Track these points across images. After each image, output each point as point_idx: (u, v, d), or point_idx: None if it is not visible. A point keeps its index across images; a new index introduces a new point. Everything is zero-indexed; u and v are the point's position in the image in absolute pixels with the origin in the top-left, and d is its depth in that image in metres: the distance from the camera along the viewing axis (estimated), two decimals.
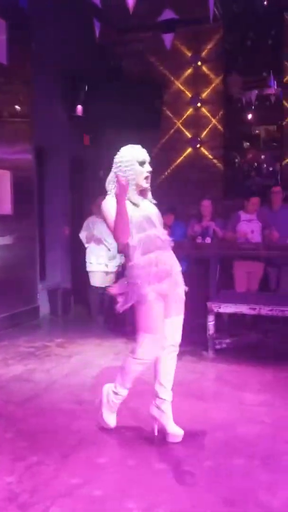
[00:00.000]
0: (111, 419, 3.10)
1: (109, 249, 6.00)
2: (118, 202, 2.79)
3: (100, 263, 6.00)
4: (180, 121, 7.52)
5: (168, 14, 5.89)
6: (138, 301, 2.88)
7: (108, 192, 2.97)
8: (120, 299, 2.95)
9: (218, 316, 5.03)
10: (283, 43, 7.10)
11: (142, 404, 3.52)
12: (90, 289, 6.11)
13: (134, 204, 2.92)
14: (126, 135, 7.25)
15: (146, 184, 2.95)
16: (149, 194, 3.03)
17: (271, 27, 7.26)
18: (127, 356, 3.03)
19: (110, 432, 3.11)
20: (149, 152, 7.51)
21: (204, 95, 7.43)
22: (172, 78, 7.51)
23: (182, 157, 7.50)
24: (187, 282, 5.93)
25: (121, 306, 2.95)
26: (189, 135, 7.47)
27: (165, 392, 3.06)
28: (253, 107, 8.07)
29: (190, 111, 7.49)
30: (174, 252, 5.86)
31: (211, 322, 4.80)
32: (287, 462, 2.71)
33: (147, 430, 3.12)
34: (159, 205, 6.81)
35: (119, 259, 6.02)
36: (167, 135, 7.55)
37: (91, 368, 4.40)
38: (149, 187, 3.01)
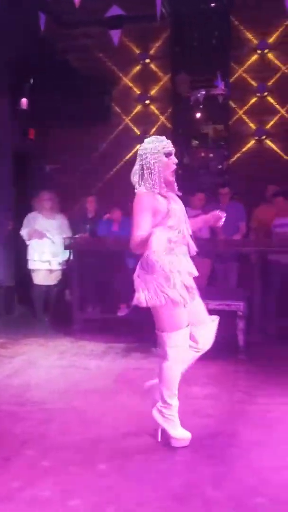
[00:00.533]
0: (183, 432, 2.85)
1: (53, 242, 5.86)
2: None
3: (43, 261, 5.84)
4: (129, 117, 7.51)
5: (115, 11, 5.86)
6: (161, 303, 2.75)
7: (136, 186, 2.82)
8: (140, 295, 2.78)
9: None
10: (230, 44, 7.21)
11: (88, 406, 3.48)
12: (33, 287, 5.95)
13: (164, 197, 2.79)
14: (74, 129, 7.24)
15: (172, 177, 2.84)
16: (175, 188, 2.90)
17: (218, 29, 7.36)
18: (161, 363, 2.87)
19: (53, 434, 3.05)
20: (98, 148, 7.46)
21: (152, 92, 7.44)
22: (121, 75, 7.48)
23: (131, 153, 7.47)
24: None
25: (138, 301, 2.80)
26: (138, 132, 7.47)
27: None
28: (201, 106, 8.17)
29: (138, 108, 7.49)
30: (125, 248, 5.84)
31: None
32: (231, 455, 2.74)
33: (92, 432, 3.08)
34: (108, 201, 6.80)
35: (63, 255, 5.91)
36: (115, 131, 7.51)
37: (35, 368, 4.32)
38: (174, 180, 2.88)
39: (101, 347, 4.90)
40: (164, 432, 2.88)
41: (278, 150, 7.07)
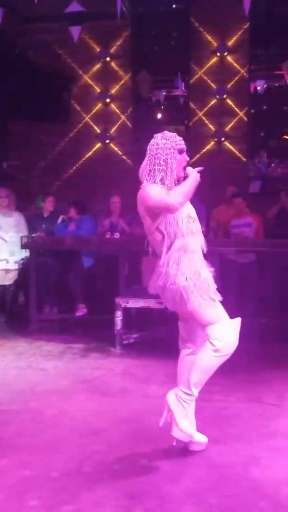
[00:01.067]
0: (189, 427, 2.71)
1: (5, 240, 5.73)
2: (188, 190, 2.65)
3: (0, 260, 5.73)
4: (89, 116, 7.45)
5: (75, 7, 5.80)
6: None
7: (144, 181, 2.69)
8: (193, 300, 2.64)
9: (127, 311, 5.05)
10: (190, 45, 7.28)
11: (45, 407, 3.43)
12: None
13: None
14: (32, 126, 7.13)
15: (183, 174, 2.74)
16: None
17: (178, 30, 7.43)
18: (203, 353, 2.69)
19: (9, 436, 2.98)
20: (57, 145, 7.36)
21: (113, 91, 7.42)
22: (81, 72, 7.42)
23: (91, 152, 7.43)
24: (94, 278, 5.86)
25: (192, 307, 2.66)
26: (98, 130, 7.42)
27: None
28: (162, 107, 8.23)
29: (99, 106, 7.45)
30: (82, 247, 5.78)
31: (118, 317, 4.79)
32: (188, 452, 2.75)
33: (49, 433, 3.03)
34: (66, 200, 6.71)
35: (20, 254, 5.80)
36: (75, 129, 7.44)
37: None
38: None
39: (59, 348, 4.83)
40: (170, 418, 2.73)
41: (236, 152, 7.19)
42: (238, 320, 2.75)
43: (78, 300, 5.78)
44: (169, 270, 2.66)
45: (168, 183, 2.69)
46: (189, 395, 2.70)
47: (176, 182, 2.73)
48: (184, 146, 2.75)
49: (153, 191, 2.66)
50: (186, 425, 2.70)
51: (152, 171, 2.69)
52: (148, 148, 2.75)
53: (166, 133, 2.76)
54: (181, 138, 2.76)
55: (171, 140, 2.71)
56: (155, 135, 2.77)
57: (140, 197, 2.70)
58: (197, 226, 2.79)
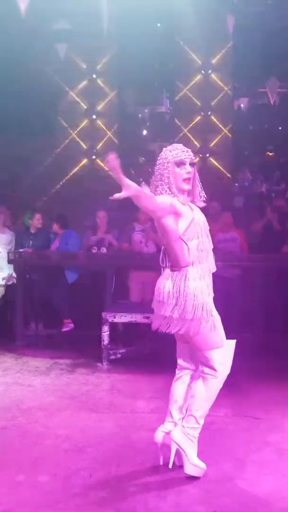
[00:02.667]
0: (199, 461, 2.65)
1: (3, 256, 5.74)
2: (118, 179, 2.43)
3: None
4: (75, 131, 7.52)
5: (62, 25, 5.89)
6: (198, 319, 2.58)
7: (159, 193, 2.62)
8: (176, 322, 2.58)
9: (114, 326, 5.05)
10: (175, 63, 7.41)
11: (31, 424, 3.41)
12: None
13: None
14: (18, 142, 7.16)
15: (186, 187, 2.65)
16: (197, 197, 2.72)
17: (164, 48, 7.57)
18: (203, 382, 2.65)
19: None
20: (43, 161, 7.37)
21: (99, 107, 7.51)
22: (67, 89, 7.49)
23: (78, 168, 7.48)
24: (79, 293, 5.85)
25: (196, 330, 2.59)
26: (84, 146, 7.49)
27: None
28: (148, 124, 8.33)
29: (85, 122, 7.53)
30: (69, 263, 5.78)
31: (105, 332, 4.79)
32: (176, 466, 2.75)
33: (35, 450, 3.01)
34: (51, 215, 6.70)
35: (7, 270, 5.80)
36: (62, 144, 7.50)
37: None
38: (195, 190, 2.70)
39: (46, 364, 4.80)
40: (177, 457, 2.67)
41: (221, 168, 7.30)
42: (233, 342, 2.74)
43: (64, 315, 5.77)
44: (182, 297, 2.57)
45: (177, 196, 2.63)
46: (196, 428, 2.67)
47: (180, 195, 2.65)
48: (183, 158, 2.64)
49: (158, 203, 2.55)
50: (197, 460, 2.66)
51: (156, 186, 2.65)
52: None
53: (170, 146, 2.72)
54: (185, 149, 2.68)
55: (169, 153, 2.65)
56: (164, 149, 2.73)
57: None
58: (209, 248, 2.71)
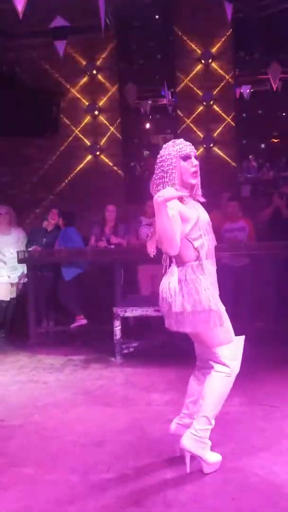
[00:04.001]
0: (215, 455, 2.65)
1: (4, 262, 5.79)
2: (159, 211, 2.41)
3: (2, 275, 5.77)
4: (78, 128, 7.51)
5: (59, 22, 5.87)
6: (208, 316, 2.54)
7: (155, 195, 2.52)
8: (187, 318, 2.52)
9: (125, 320, 5.06)
10: (175, 54, 7.36)
11: (47, 421, 3.44)
12: None
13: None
14: (22, 142, 7.17)
15: (194, 181, 2.62)
16: (199, 193, 2.67)
17: (162, 39, 7.51)
18: (216, 381, 2.60)
19: (12, 451, 2.99)
20: (48, 160, 7.38)
21: (101, 103, 7.48)
22: (68, 86, 7.48)
23: (82, 164, 7.48)
24: (89, 288, 5.86)
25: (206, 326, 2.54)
26: (88, 143, 7.48)
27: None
28: (150, 117, 8.29)
29: (88, 119, 7.51)
30: (76, 259, 5.78)
31: (117, 327, 4.81)
32: (193, 457, 2.76)
33: (52, 445, 3.04)
34: (59, 212, 6.66)
35: (21, 269, 5.84)
36: (66, 142, 7.49)
37: None
38: (199, 185, 2.66)
39: (60, 360, 4.84)
40: (193, 459, 2.64)
41: (225, 157, 7.25)
42: (242, 338, 2.70)
43: (75, 312, 5.79)
44: (192, 293, 2.53)
45: (176, 195, 2.55)
46: (209, 429, 2.63)
47: (186, 191, 2.62)
48: (189, 151, 2.61)
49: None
50: (212, 457, 2.64)
51: (162, 184, 2.57)
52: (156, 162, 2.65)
53: (171, 142, 2.67)
54: (187, 143, 2.64)
55: (173, 149, 2.60)
56: (164, 145, 2.67)
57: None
58: (213, 245, 2.68)
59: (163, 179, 2.58)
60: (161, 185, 2.58)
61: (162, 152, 2.65)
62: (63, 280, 5.80)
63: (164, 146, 2.68)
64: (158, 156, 2.65)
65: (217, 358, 2.62)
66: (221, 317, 2.59)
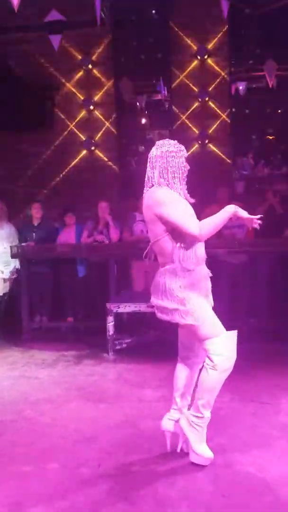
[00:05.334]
0: (206, 449, 2.66)
1: (3, 251, 5.77)
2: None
3: None
4: (73, 123, 7.47)
5: (54, 15, 5.84)
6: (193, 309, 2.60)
7: (156, 185, 2.64)
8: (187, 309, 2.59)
9: (118, 316, 5.06)
10: (170, 50, 7.33)
11: (39, 416, 3.43)
12: None
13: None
14: (17, 136, 7.13)
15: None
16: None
17: (158, 35, 7.48)
18: (204, 373, 2.64)
19: (4, 446, 2.98)
20: (42, 154, 7.32)
21: (96, 98, 7.44)
22: (63, 80, 7.43)
23: (77, 159, 7.45)
24: (85, 285, 5.82)
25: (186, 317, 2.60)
26: (83, 137, 7.44)
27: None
28: (146, 112, 8.26)
29: (83, 113, 7.47)
30: (71, 255, 5.76)
31: (110, 323, 4.81)
32: (184, 453, 2.77)
33: (44, 441, 3.03)
34: (54, 207, 6.71)
35: (13, 264, 5.82)
36: (60, 137, 7.45)
37: None
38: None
39: (52, 356, 4.84)
40: (186, 444, 2.72)
41: (220, 154, 7.25)
42: (235, 333, 2.72)
43: (68, 311, 5.83)
44: (175, 289, 2.60)
45: (180, 191, 2.67)
46: (200, 417, 2.65)
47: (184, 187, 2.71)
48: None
49: (177, 205, 2.59)
50: (202, 448, 2.66)
51: (165, 179, 2.64)
52: (154, 156, 2.70)
53: (168, 140, 2.76)
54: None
55: (174, 148, 2.70)
56: (158, 143, 2.74)
57: (154, 201, 2.61)
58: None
59: (176, 174, 2.66)
60: (176, 179, 2.66)
61: (171, 148, 2.70)
62: (77, 276, 5.84)
63: (169, 143, 2.74)
64: (162, 151, 2.69)
65: (207, 353, 2.66)
66: (195, 313, 2.62)
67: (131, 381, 4.04)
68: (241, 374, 3.95)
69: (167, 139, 2.79)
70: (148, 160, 2.75)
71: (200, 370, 2.74)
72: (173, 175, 2.66)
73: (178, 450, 2.76)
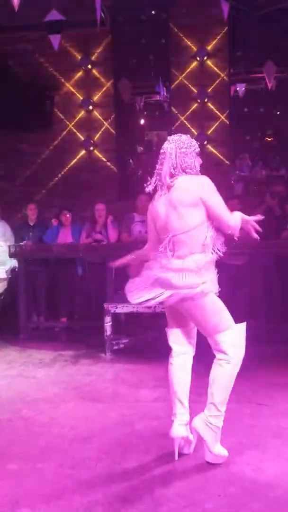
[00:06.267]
0: (221, 448, 2.68)
1: None
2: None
3: None
4: (72, 123, 7.47)
5: (54, 15, 5.84)
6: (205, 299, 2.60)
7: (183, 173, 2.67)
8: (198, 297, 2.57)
9: (116, 317, 5.07)
10: (170, 51, 7.34)
11: (36, 415, 3.43)
12: None
13: None
14: (15, 135, 7.13)
15: None
16: None
17: (158, 35, 7.48)
18: (219, 368, 2.65)
19: (1, 445, 2.99)
20: (41, 154, 7.31)
21: (95, 98, 7.45)
22: (63, 80, 7.43)
23: (75, 160, 7.45)
24: (81, 284, 5.83)
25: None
26: (82, 138, 7.45)
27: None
28: (145, 113, 8.27)
29: (82, 113, 7.47)
30: (69, 255, 5.77)
31: (108, 323, 4.82)
32: (180, 454, 2.77)
33: (41, 440, 3.04)
34: (52, 207, 6.70)
35: (9, 263, 5.81)
36: (59, 137, 7.45)
37: None
38: None
39: (50, 356, 4.84)
40: (187, 445, 2.75)
41: (219, 155, 7.26)
42: (244, 325, 2.73)
43: (63, 311, 5.83)
44: (194, 274, 2.59)
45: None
46: (219, 416, 2.66)
47: None
48: None
49: (218, 194, 2.66)
50: (218, 448, 2.66)
51: (190, 168, 2.70)
52: (171, 150, 2.71)
53: (183, 136, 2.77)
54: None
55: (193, 143, 2.76)
56: (170, 139, 2.76)
57: (200, 185, 2.64)
58: None
59: (188, 170, 2.69)
60: (193, 169, 2.70)
61: (189, 141, 2.73)
62: (75, 276, 5.88)
63: (186, 137, 2.77)
64: (182, 143, 2.71)
65: (218, 346, 2.65)
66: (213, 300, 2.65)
67: (128, 381, 4.05)
68: (239, 375, 3.98)
69: (179, 134, 2.80)
70: (160, 155, 2.75)
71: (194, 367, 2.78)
72: (190, 170, 2.70)
73: (191, 451, 2.75)
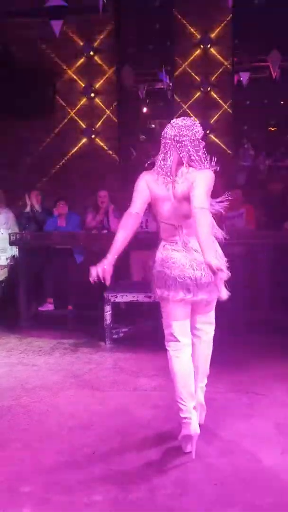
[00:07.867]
0: None
1: None
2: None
3: None
4: (74, 110, 7.42)
5: (56, 1, 5.78)
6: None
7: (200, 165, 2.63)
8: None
9: (116, 305, 5.07)
10: (174, 38, 7.26)
11: (36, 403, 3.45)
12: None
13: None
14: (17, 122, 7.08)
15: None
16: None
17: (162, 22, 7.41)
18: (208, 345, 2.86)
19: (0, 431, 3.01)
20: (42, 141, 7.26)
21: (97, 85, 7.39)
22: (64, 67, 7.37)
23: (77, 147, 7.42)
24: (80, 273, 5.84)
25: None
26: (83, 125, 7.40)
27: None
28: (147, 101, 8.20)
29: (83, 101, 7.42)
30: (70, 244, 5.77)
31: (108, 312, 4.82)
32: (178, 443, 2.79)
33: (40, 428, 3.05)
34: (52, 195, 6.69)
35: (10, 251, 5.81)
36: (60, 124, 7.41)
37: None
38: None
39: (50, 344, 4.85)
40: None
41: (221, 145, 7.21)
42: None
43: (48, 293, 5.83)
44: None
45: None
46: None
47: None
48: None
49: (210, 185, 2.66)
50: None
51: (201, 157, 2.67)
52: (185, 137, 2.64)
53: (187, 120, 2.71)
54: None
55: (200, 129, 2.72)
56: (177, 124, 2.68)
57: (206, 178, 2.63)
58: None
59: (193, 157, 2.66)
60: (203, 156, 2.67)
61: (193, 126, 2.67)
62: (74, 265, 5.88)
63: (194, 121, 2.72)
64: (194, 132, 2.66)
65: (210, 318, 2.83)
66: None
67: (127, 370, 4.06)
68: (235, 365, 4.00)
69: (183, 118, 2.73)
70: (162, 140, 2.70)
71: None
72: (202, 155, 2.67)
73: (202, 422, 2.86)
